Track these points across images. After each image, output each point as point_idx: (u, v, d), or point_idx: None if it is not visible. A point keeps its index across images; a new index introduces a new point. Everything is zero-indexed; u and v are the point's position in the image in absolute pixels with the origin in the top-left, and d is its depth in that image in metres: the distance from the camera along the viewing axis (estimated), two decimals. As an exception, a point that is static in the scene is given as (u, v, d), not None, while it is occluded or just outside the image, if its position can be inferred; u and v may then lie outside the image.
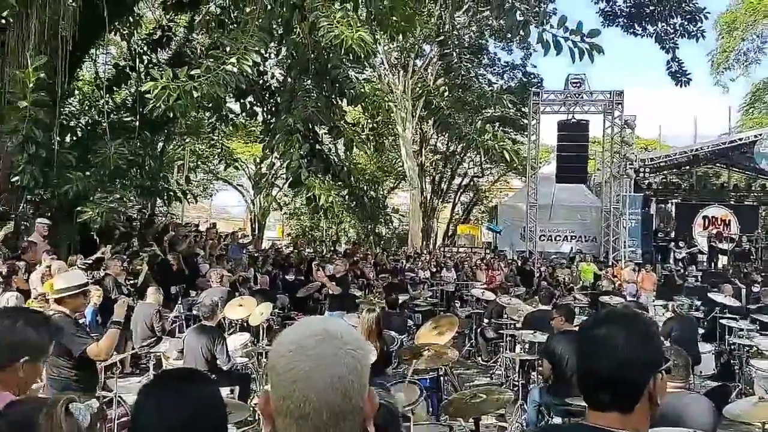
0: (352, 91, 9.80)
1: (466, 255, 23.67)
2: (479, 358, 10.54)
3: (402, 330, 7.97)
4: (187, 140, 21.83)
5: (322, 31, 6.98)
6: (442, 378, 6.21)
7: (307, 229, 33.88)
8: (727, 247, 20.25)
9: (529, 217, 19.72)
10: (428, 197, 34.43)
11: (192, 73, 7.42)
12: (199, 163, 26.97)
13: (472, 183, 39.17)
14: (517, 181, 36.49)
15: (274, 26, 9.02)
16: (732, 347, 8.82)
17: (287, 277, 13.36)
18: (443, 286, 16.56)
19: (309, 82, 10.10)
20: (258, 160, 28.17)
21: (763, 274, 18.24)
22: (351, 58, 8.62)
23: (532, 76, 29.17)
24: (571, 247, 20.82)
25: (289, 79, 10.47)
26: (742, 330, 8.74)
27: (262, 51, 8.61)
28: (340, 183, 10.67)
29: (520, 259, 19.02)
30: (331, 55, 9.36)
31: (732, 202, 24.06)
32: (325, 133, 12.16)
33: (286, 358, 1.06)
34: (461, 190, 39.53)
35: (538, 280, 15.94)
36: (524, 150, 20.99)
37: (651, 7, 15.29)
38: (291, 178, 9.79)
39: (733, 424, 5.24)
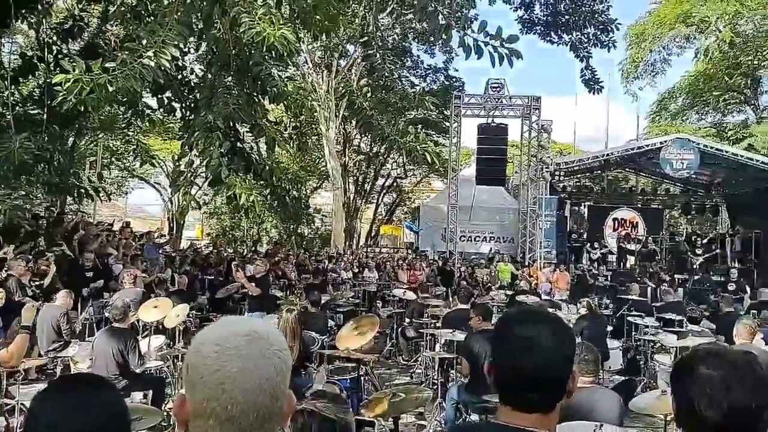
0: (274, 89, 9.64)
1: (389, 255, 23.86)
2: (400, 358, 10.63)
3: (323, 331, 7.92)
4: (100, 135, 20.94)
5: (244, 27, 6.84)
6: (362, 378, 6.21)
7: (227, 228, 33.22)
8: (635, 247, 21.28)
9: (450, 218, 20.06)
10: (351, 197, 34.47)
11: (107, 65, 7.11)
12: (113, 159, 25.93)
13: (395, 184, 39.52)
14: (439, 182, 37.11)
15: (194, 20, 8.77)
16: (638, 343, 9.28)
17: (206, 277, 13.06)
18: (365, 287, 16.60)
19: (230, 78, 9.86)
20: (176, 158, 27.37)
21: (668, 273, 19.32)
22: (273, 55, 8.48)
23: (454, 79, 29.75)
24: (491, 248, 21.34)
25: (209, 75, 10.18)
26: (647, 327, 9.20)
27: (181, 45, 8.36)
28: (261, 182, 10.50)
29: (441, 259, 19.32)
30: (253, 51, 9.18)
31: (639, 205, 25.35)
32: (247, 132, 11.94)
33: (212, 359, 1.03)
34: (384, 191, 39.81)
35: (457, 280, 16.24)
36: (446, 152, 21.34)
37: (566, 17, 15.88)
38: (211, 177, 9.55)
39: (638, 416, 5.51)
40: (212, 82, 9.84)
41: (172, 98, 10.74)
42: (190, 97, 10.76)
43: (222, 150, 8.83)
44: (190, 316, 9.21)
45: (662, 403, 4.24)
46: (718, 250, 21.48)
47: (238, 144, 10.54)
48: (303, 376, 5.71)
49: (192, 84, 11.02)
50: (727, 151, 21.47)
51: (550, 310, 8.11)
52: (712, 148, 21.07)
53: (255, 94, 10.32)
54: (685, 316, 9.40)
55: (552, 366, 1.45)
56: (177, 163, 28.64)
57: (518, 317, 1.63)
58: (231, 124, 9.84)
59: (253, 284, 8.87)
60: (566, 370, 1.47)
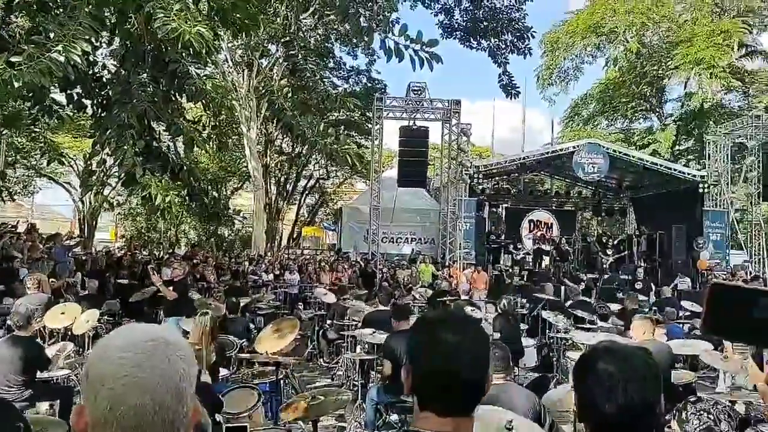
0: (192, 87, 9.38)
1: (311, 257, 23.72)
2: (321, 360, 10.59)
3: (242, 334, 7.80)
4: (3, 132, 19.77)
5: (159, 23, 6.63)
6: (282, 381, 6.15)
7: (143, 230, 32.10)
8: (549, 248, 22.05)
9: (372, 219, 20.16)
10: (273, 199, 34.05)
11: (12, 59, 6.73)
12: (17, 157, 24.56)
13: (317, 185, 39.33)
14: (361, 184, 37.22)
15: (107, 14, 8.44)
16: (551, 341, 9.62)
17: (119, 281, 12.57)
18: (287, 289, 16.43)
19: (145, 75, 9.54)
20: (87, 156, 26.19)
21: (580, 273, 20.14)
22: (191, 53, 8.27)
23: (376, 81, 29.92)
24: (413, 249, 21.59)
25: (123, 71, 9.81)
26: (559, 325, 9.56)
27: (93, 39, 8.02)
28: (179, 182, 10.20)
29: (363, 260, 19.38)
30: (169, 48, 8.91)
31: (554, 207, 26.29)
32: (164, 130, 11.59)
33: (116, 366, 0.99)
34: (307, 192, 39.55)
35: (379, 281, 16.34)
36: (368, 154, 21.45)
37: (485, 23, 16.31)
38: (124, 177, 9.20)
39: (551, 411, 5.71)
40: (126, 78, 9.48)
41: (83, 94, 10.27)
42: (102, 93, 10.31)
43: (136, 149, 8.53)
44: (101, 321, 8.84)
45: (571, 397, 4.40)
46: (626, 251, 22.57)
47: (154, 143, 10.20)
48: (221, 382, 5.61)
49: (104, 80, 10.58)
50: (633, 156, 22.66)
51: (469, 309, 8.30)
52: (620, 153, 22.16)
53: (172, 91, 10.02)
54: (596, 314, 9.83)
55: (471, 370, 1.45)
56: (88, 162, 27.45)
57: (436, 321, 1.61)
58: (146, 123, 9.51)
59: (170, 288, 8.62)
60: (484, 374, 1.49)
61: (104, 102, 10.08)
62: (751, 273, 19.78)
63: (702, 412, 2.17)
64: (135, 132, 8.45)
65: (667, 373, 5.82)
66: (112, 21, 8.88)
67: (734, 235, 22.57)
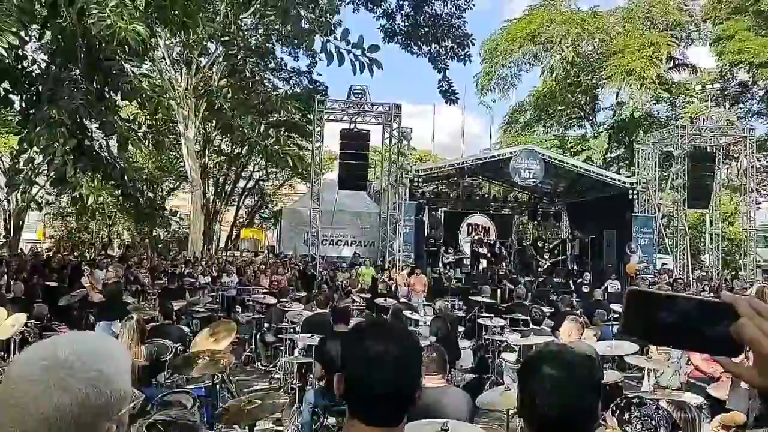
0: (127, 85, 9.16)
1: (249, 259, 23.41)
2: (259, 363, 10.48)
3: (178, 338, 7.64)
4: None
5: (93, 19, 6.45)
6: (218, 386, 6.06)
7: (73, 231, 30.94)
8: (486, 251, 22.46)
9: (312, 221, 20.07)
10: (211, 199, 33.43)
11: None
12: (-65, 153, 23.32)
13: (257, 186, 38.82)
14: (302, 185, 36.96)
15: (37, 7, 8.15)
16: (487, 343, 9.82)
17: (47, 283, 12.10)
18: (224, 291, 16.17)
19: (77, 71, 9.24)
20: (14, 154, 25.04)
21: (517, 276, 20.58)
22: (126, 50, 8.07)
23: (317, 84, 29.77)
24: (355, 252, 21.60)
25: (54, 67, 9.47)
26: (495, 327, 9.76)
27: (21, 33, 7.72)
28: (112, 182, 9.93)
29: (303, 263, 19.26)
30: (103, 45, 8.66)
31: (491, 211, 26.80)
32: (97, 129, 11.23)
33: (8, 385, 0.97)
34: (246, 193, 38.99)
35: (319, 284, 16.28)
36: (309, 156, 21.35)
37: (426, 29, 16.54)
38: (54, 176, 8.89)
39: (485, 412, 5.84)
40: (57, 74, 9.17)
41: (10, 89, 9.86)
42: (32, 89, 9.93)
43: (67, 147, 8.26)
44: (29, 326, 8.51)
45: (505, 399, 4.52)
46: (560, 255, 23.23)
47: (86, 141, 9.89)
48: (153, 387, 5.50)
49: (34, 75, 10.19)
50: (568, 163, 23.37)
51: (407, 312, 8.38)
52: (555, 159, 22.80)
53: (106, 89, 9.74)
54: (529, 317, 10.08)
55: (398, 380, 1.47)
56: (15, 160, 26.25)
57: (366, 330, 1.63)
58: (78, 120, 9.22)
59: (100, 290, 8.37)
60: (415, 384, 1.52)
61: (33, 98, 9.71)
62: (673, 276, 20.70)
63: (645, 418, 2.28)
64: (66, 130, 8.18)
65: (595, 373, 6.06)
66: (43, 14, 8.57)
67: (661, 240, 23.54)
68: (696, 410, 5.04)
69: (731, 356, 0.95)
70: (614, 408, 2.36)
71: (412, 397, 1.50)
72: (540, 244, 24.38)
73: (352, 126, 19.79)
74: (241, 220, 39.83)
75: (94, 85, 9.27)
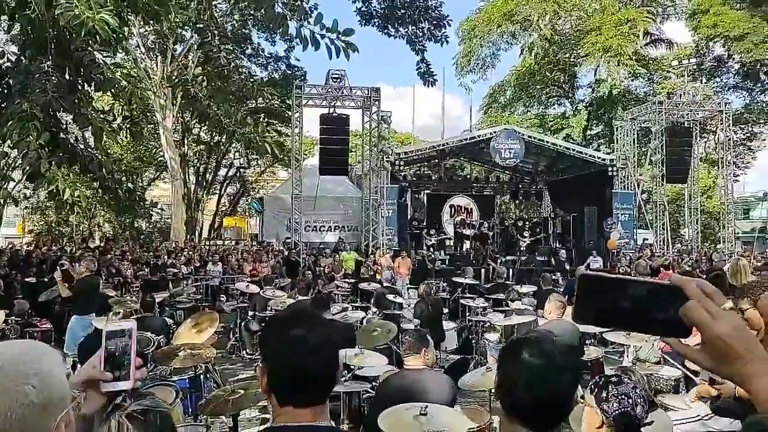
0: (99, 76, 9.00)
1: (233, 248, 23.33)
2: (244, 352, 10.49)
3: (160, 330, 7.62)
4: None
5: (60, 9, 6.32)
6: (202, 377, 6.07)
7: (53, 224, 30.60)
8: (470, 232, 22.56)
9: (294, 208, 20.01)
10: (192, 189, 33.22)
11: None
12: None
13: (238, 174, 38.59)
14: (284, 172, 36.79)
15: (5, -1, 7.97)
16: (470, 324, 9.90)
17: (27, 279, 11.98)
18: (208, 281, 16.14)
19: (49, 63, 9.07)
20: (-12, 149, 24.62)
21: (499, 256, 20.73)
22: (97, 40, 7.92)
23: (296, 69, 29.56)
24: (339, 238, 21.59)
25: (24, 59, 9.29)
26: (478, 308, 9.84)
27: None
28: (91, 174, 9.80)
29: (286, 250, 19.24)
30: (73, 35, 8.50)
31: (473, 192, 26.88)
32: (71, 121, 11.07)
33: None
34: (227, 182, 38.77)
35: (302, 270, 16.27)
36: (290, 142, 21.24)
37: (402, 11, 16.38)
38: (29, 170, 8.75)
39: (469, 392, 5.89)
40: (27, 67, 8.99)
41: (-21, 83, 9.68)
42: (2, 83, 9.75)
43: (41, 141, 8.12)
44: (9, 322, 8.44)
45: (487, 379, 4.56)
46: (542, 234, 23.40)
47: (61, 134, 9.74)
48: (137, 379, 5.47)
49: (4, 68, 10.00)
50: (547, 141, 23.46)
51: (390, 296, 8.37)
52: (535, 138, 22.88)
53: (78, 81, 9.58)
54: (512, 295, 10.17)
55: (322, 364, 1.55)
56: (-11, 155, 25.84)
57: (285, 319, 1.70)
58: (51, 113, 9.07)
59: (68, 286, 8.30)
60: (334, 366, 1.60)
61: (4, 92, 9.54)
62: (653, 249, 20.97)
63: (623, 396, 2.31)
64: (39, 123, 8.04)
65: (578, 350, 6.14)
66: (11, 6, 8.39)
67: (641, 216, 23.78)
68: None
69: (681, 337, 0.97)
70: (592, 386, 2.39)
71: (333, 379, 1.62)
72: (522, 223, 24.54)
73: (332, 111, 19.70)
74: (223, 208, 39.62)
75: (66, 77, 9.10)
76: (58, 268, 9.27)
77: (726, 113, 22.96)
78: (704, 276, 8.66)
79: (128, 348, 1.34)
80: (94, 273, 9.20)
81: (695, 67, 33.92)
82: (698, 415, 4.12)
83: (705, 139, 30.24)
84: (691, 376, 4.69)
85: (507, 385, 1.66)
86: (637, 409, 2.31)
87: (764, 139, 37.35)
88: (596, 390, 2.37)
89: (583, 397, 2.47)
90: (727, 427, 3.87)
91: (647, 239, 24.15)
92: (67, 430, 1.05)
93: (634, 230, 22.70)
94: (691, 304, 0.92)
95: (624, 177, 22.42)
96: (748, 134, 36.44)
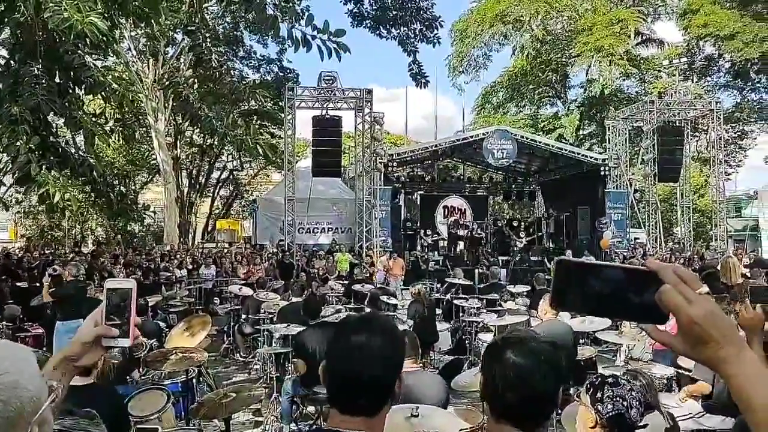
0: (90, 79, 8.95)
1: (226, 250, 23.27)
2: (238, 355, 10.47)
3: (153, 334, 7.59)
4: None
5: (49, 13, 6.29)
6: (194, 380, 6.05)
7: (45, 228, 30.46)
8: (463, 233, 22.56)
9: (288, 210, 19.98)
10: (185, 192, 33.14)
11: None
12: None
13: (231, 176, 38.52)
14: (277, 174, 36.71)
15: (-7, 2, 7.92)
16: (464, 324, 9.90)
17: (18, 284, 11.91)
18: (202, 284, 16.09)
19: (38, 67, 9.03)
20: (-21, 153, 24.46)
21: (493, 255, 20.74)
22: (87, 43, 7.89)
23: (288, 71, 29.54)
24: (333, 240, 21.56)
25: (13, 63, 9.24)
26: (472, 308, 9.85)
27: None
28: (82, 178, 9.75)
29: (280, 252, 19.20)
30: (63, 39, 8.46)
31: (467, 193, 26.88)
32: (63, 125, 11.03)
33: None
34: (220, 184, 38.70)
35: (296, 273, 16.24)
36: (283, 144, 21.21)
37: (394, 12, 16.38)
38: (19, 175, 8.70)
39: (464, 393, 5.89)
40: (17, 70, 8.95)
41: (-31, 88, 9.61)
42: (-9, 86, 9.69)
43: (31, 145, 8.08)
44: (0, 327, 8.39)
45: (479, 380, 4.55)
46: (536, 234, 23.44)
47: (51, 138, 9.69)
48: (128, 384, 5.47)
49: (-7, 72, 9.94)
50: (540, 142, 23.52)
51: (384, 297, 8.37)
52: (527, 138, 22.92)
53: (68, 84, 9.53)
54: (505, 296, 10.19)
55: (379, 373, 1.51)
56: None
57: (349, 323, 1.70)
58: (41, 117, 9.02)
59: (49, 292, 8.27)
60: (393, 376, 1.55)
61: (-6, 96, 9.48)
62: (646, 249, 21.04)
63: (618, 398, 2.32)
64: (28, 127, 7.99)
65: (572, 351, 6.14)
66: (0, 9, 8.34)
67: (634, 215, 23.85)
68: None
69: (657, 323, 0.97)
70: (588, 386, 2.40)
71: (389, 389, 1.53)
72: (515, 223, 24.57)
73: (324, 112, 19.67)
74: (216, 211, 39.52)
75: (57, 80, 9.06)
76: (46, 272, 9.20)
77: (717, 112, 23.05)
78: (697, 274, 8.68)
79: (128, 306, 1.38)
80: (83, 278, 9.15)
81: (686, 66, 34.09)
82: (690, 413, 4.14)
83: (696, 138, 30.34)
84: (685, 373, 4.71)
85: (492, 387, 1.65)
86: (631, 411, 2.32)
87: (755, 138, 37.59)
88: (592, 390, 2.38)
89: (579, 395, 2.47)
90: (719, 424, 3.89)
91: (639, 238, 24.22)
92: (42, 430, 1.02)
93: (627, 229, 22.77)
94: (667, 288, 0.92)
95: (616, 176, 22.46)
96: (739, 133, 36.63)
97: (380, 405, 1.53)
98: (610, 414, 2.31)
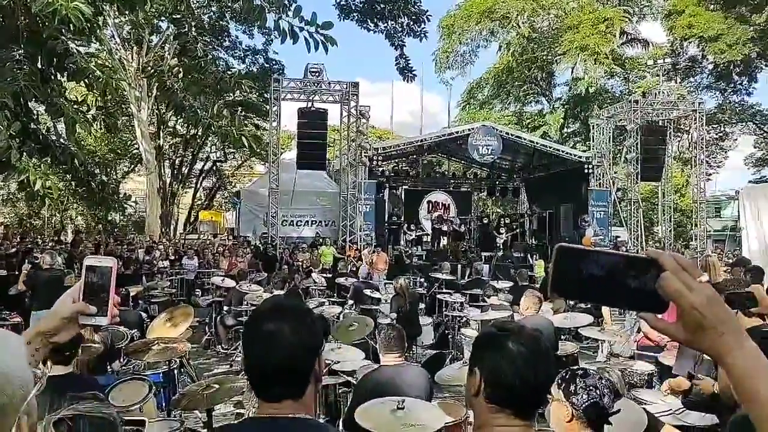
0: (73, 65, 8.82)
1: (209, 242, 23.13)
2: (220, 347, 10.42)
3: (134, 325, 7.53)
4: None
5: (32, -4, 6.17)
6: (176, 371, 6.00)
7: (24, 217, 30.06)
8: (447, 228, 22.61)
9: (271, 202, 19.89)
10: (168, 182, 32.86)
11: None
12: None
13: (214, 168, 38.27)
14: (261, 166, 36.56)
15: (-27, -15, 7.75)
16: (447, 319, 9.93)
17: (-4, 273, 11.74)
18: (184, 275, 15.99)
19: (20, 52, 8.88)
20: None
21: (476, 251, 20.84)
22: (70, 29, 7.76)
23: (273, 62, 29.35)
24: (317, 233, 21.50)
25: (-6, 48, 9.07)
26: (455, 303, 9.87)
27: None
28: (63, 166, 9.62)
29: (263, 244, 19.12)
30: (46, 24, 8.32)
31: (451, 188, 26.93)
32: (43, 111, 10.87)
33: None
34: (203, 175, 38.43)
35: (279, 265, 16.19)
36: (267, 136, 21.08)
37: (381, 5, 16.32)
38: (-2, 161, 8.56)
39: (446, 387, 5.92)
40: (-2, 55, 8.79)
41: (-51, 72, 9.43)
42: (-28, 72, 9.51)
43: (11, 131, 7.95)
44: (-23, 317, 8.27)
45: (463, 373, 4.55)
46: (519, 230, 23.56)
47: (32, 125, 9.54)
48: (109, 374, 5.41)
49: (-27, 57, 9.76)
50: (525, 138, 23.61)
51: (367, 291, 8.37)
52: (512, 135, 22.99)
53: (51, 70, 9.39)
54: (488, 291, 10.22)
55: (293, 359, 1.53)
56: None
57: (260, 312, 1.70)
58: (22, 103, 8.88)
59: (23, 281, 8.17)
60: (309, 361, 1.56)
61: (-26, 81, 9.30)
62: (627, 247, 21.23)
63: (591, 388, 2.34)
64: (9, 113, 7.86)
65: (553, 347, 6.19)
66: (-20, -8, 8.18)
67: (616, 213, 24.04)
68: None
69: (656, 312, 0.97)
70: (560, 381, 2.41)
71: (306, 374, 1.55)
72: (499, 219, 24.66)
73: (310, 105, 19.58)
74: (199, 202, 39.26)
75: (39, 66, 8.91)
76: (26, 260, 9.08)
77: (699, 113, 23.28)
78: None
79: (107, 284, 1.35)
80: (63, 267, 9.04)
81: (670, 66, 34.37)
82: (670, 409, 4.17)
83: (679, 138, 30.67)
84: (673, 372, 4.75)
85: (496, 377, 1.62)
86: (604, 399, 2.35)
87: (736, 139, 38.10)
88: (564, 384, 2.39)
89: (550, 392, 2.48)
90: (698, 421, 3.92)
91: (619, 237, 24.43)
92: (29, 421, 0.99)
93: (609, 227, 22.95)
94: (668, 275, 0.92)
95: (599, 174, 22.62)
96: (721, 134, 37.09)
97: (301, 389, 1.55)
98: (586, 404, 2.33)
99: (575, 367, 2.56)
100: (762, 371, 0.91)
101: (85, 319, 1.34)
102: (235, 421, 5.24)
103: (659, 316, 0.98)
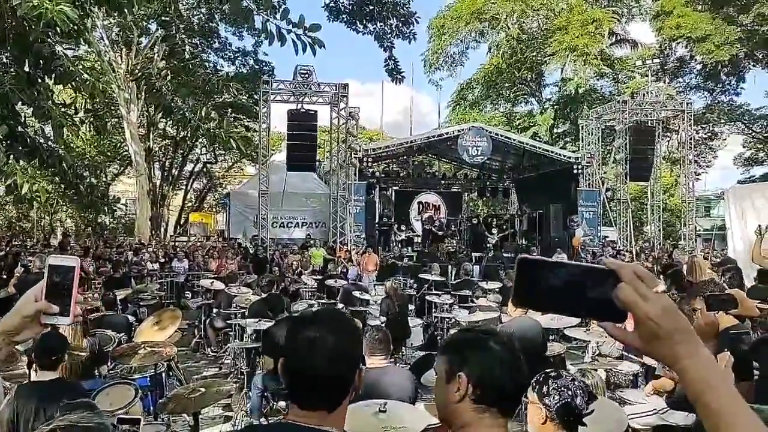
0: (60, 68, 8.79)
1: (199, 244, 23.07)
2: (209, 349, 10.40)
3: (122, 328, 7.50)
4: None
5: (18, 0, 6.16)
6: (163, 374, 6.00)
7: (13, 220, 29.87)
8: (437, 229, 22.64)
9: (261, 204, 19.87)
10: (158, 184, 32.74)
11: None
12: None
13: (205, 169, 38.16)
14: (251, 167, 36.47)
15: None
16: (436, 320, 9.96)
17: (-16, 277, 11.67)
18: (173, 278, 15.93)
19: (7, 55, 8.86)
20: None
21: (466, 252, 20.87)
22: (57, 32, 7.74)
23: (263, 64, 29.27)
24: (308, 234, 21.48)
25: (-19, 51, 9.04)
26: (444, 304, 9.90)
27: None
28: (52, 169, 9.59)
29: (254, 246, 19.09)
30: (33, 27, 8.30)
31: (441, 189, 26.95)
32: (31, 115, 10.80)
33: None
34: (194, 177, 38.31)
35: (270, 267, 16.17)
36: (257, 137, 21.04)
37: (370, 7, 16.33)
38: (-15, 164, 8.52)
39: (431, 388, 5.93)
40: (-16, 58, 8.76)
41: (-65, 75, 9.37)
42: (-41, 75, 9.46)
43: (-1, 135, 7.93)
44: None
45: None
46: (509, 230, 23.61)
47: (19, 128, 9.50)
48: (96, 378, 5.39)
49: (-40, 60, 9.71)
50: (514, 139, 23.69)
51: (357, 293, 8.39)
52: (502, 136, 23.06)
53: (38, 73, 9.35)
54: (477, 292, 10.26)
55: (334, 367, 1.51)
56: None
57: (306, 319, 1.67)
58: (9, 106, 8.84)
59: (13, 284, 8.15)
60: (349, 370, 1.55)
61: (-40, 84, 9.25)
62: (617, 247, 21.35)
63: (563, 389, 2.37)
64: (-4, 116, 7.84)
65: (542, 347, 6.21)
66: (-34, -5, 8.14)
67: (605, 213, 24.15)
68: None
69: (616, 322, 0.99)
70: (534, 384, 2.45)
71: (346, 383, 1.54)
72: (489, 220, 24.70)
73: (299, 106, 19.58)
74: (189, 204, 39.13)
75: (26, 69, 8.88)
76: (18, 263, 9.05)
77: (688, 113, 23.44)
78: (662, 272, 8.84)
79: (70, 284, 1.34)
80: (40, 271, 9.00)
81: (659, 67, 34.53)
82: (655, 409, 4.22)
83: (668, 139, 30.82)
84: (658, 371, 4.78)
85: (485, 379, 1.62)
86: (576, 399, 2.38)
87: (725, 139, 38.32)
88: (537, 387, 2.43)
89: (526, 395, 2.50)
90: (683, 420, 3.96)
91: (608, 237, 24.54)
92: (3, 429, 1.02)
93: (599, 227, 23.06)
94: (623, 286, 0.94)
95: (589, 175, 22.72)
96: (709, 134, 37.31)
97: (339, 400, 1.54)
98: (557, 405, 2.36)
99: (549, 370, 2.59)
100: (714, 381, 0.93)
101: (47, 318, 1.33)
102: (261, 422, 5.25)
103: (620, 325, 1.01)
